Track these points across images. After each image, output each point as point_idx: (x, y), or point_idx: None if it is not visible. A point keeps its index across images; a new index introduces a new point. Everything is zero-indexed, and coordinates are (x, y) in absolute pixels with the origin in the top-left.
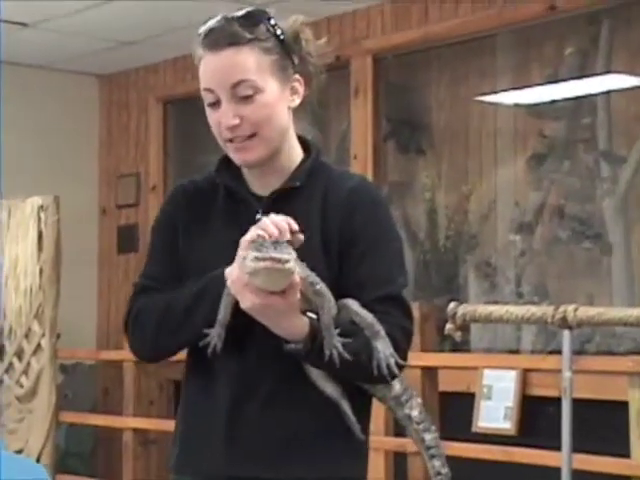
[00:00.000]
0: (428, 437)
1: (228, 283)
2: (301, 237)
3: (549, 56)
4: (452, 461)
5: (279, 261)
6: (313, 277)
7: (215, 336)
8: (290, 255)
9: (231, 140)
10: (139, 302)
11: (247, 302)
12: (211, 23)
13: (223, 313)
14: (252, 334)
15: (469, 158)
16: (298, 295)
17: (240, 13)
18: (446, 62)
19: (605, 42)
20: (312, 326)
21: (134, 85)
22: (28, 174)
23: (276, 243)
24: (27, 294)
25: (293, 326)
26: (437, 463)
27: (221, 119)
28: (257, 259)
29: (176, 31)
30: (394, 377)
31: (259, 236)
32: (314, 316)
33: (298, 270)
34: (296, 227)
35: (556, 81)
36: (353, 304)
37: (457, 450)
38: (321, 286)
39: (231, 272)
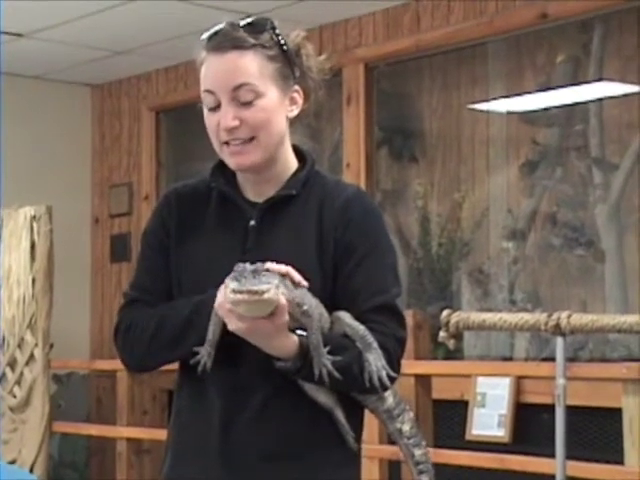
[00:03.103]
0: (418, 452)
1: (215, 305)
2: (304, 282)
3: (541, 64)
4: (446, 469)
5: (256, 293)
6: (300, 298)
7: (205, 355)
8: (269, 284)
9: (227, 143)
10: (129, 315)
11: (233, 326)
12: (216, 28)
13: (212, 332)
14: (244, 345)
15: (462, 165)
16: (286, 317)
17: (245, 20)
18: (438, 70)
19: (597, 50)
20: (302, 344)
21: (126, 94)
22: (21, 184)
23: (255, 272)
24: (20, 304)
25: (282, 345)
26: (425, 479)
27: (220, 120)
28: (234, 291)
29: (168, 41)
30: (386, 389)
31: (239, 264)
32: (304, 333)
33: (284, 292)
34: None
35: (548, 88)
36: (345, 316)
37: (451, 458)
38: (309, 306)
39: (218, 295)
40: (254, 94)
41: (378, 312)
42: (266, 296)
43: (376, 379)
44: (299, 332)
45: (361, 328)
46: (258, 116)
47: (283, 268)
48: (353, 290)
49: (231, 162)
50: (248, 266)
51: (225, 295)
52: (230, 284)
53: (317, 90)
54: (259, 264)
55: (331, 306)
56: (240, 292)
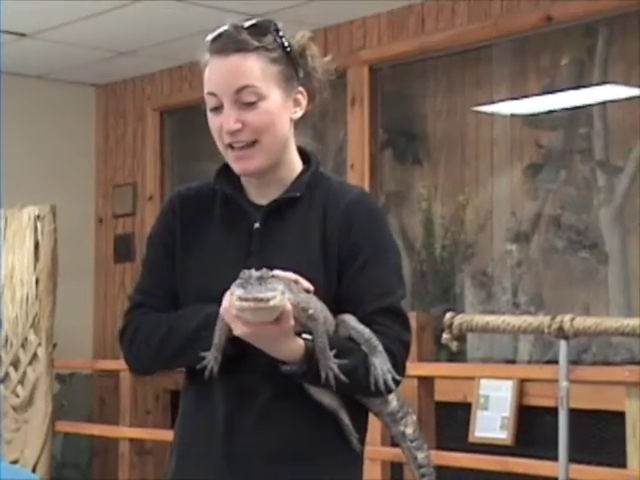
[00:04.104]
0: (420, 456)
1: (221, 310)
2: (311, 288)
3: (545, 66)
4: (448, 471)
5: (262, 300)
6: (306, 302)
7: (211, 359)
8: (275, 291)
9: (231, 146)
10: (135, 320)
11: (238, 331)
12: (219, 30)
13: (219, 337)
14: (250, 347)
15: (465, 168)
16: (292, 322)
17: (249, 22)
18: (443, 72)
19: (601, 53)
20: (307, 348)
21: (131, 95)
22: (25, 183)
23: (261, 278)
24: (23, 304)
25: (288, 349)
26: None
27: (222, 123)
28: (241, 299)
29: (173, 41)
30: (390, 392)
31: (244, 271)
32: (309, 337)
33: (290, 296)
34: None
35: (552, 91)
36: (351, 320)
37: (453, 460)
38: (314, 310)
39: (224, 300)
40: (257, 96)
41: (383, 314)
42: (272, 303)
43: (381, 382)
44: (305, 336)
45: (366, 331)
46: (261, 119)
47: (290, 276)
48: (357, 292)
49: (236, 167)
50: (254, 273)
51: (231, 302)
52: (236, 291)
53: (322, 91)
54: (264, 270)
55: (335, 308)
56: (246, 299)
